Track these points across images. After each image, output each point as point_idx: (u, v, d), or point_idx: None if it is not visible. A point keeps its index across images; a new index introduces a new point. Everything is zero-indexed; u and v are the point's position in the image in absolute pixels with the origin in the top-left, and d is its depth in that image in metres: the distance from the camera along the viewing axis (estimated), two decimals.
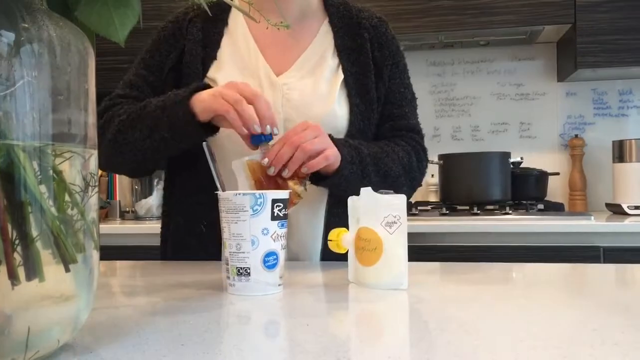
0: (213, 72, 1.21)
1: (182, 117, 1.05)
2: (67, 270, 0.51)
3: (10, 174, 0.47)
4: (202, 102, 1.04)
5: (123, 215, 2.66)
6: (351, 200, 0.92)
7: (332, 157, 1.06)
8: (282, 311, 0.74)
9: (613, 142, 2.51)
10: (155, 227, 2.32)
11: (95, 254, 0.55)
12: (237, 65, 1.22)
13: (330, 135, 1.10)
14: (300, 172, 1.04)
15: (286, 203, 0.84)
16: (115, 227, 2.33)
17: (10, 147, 0.47)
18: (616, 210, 2.45)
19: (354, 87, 1.22)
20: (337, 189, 1.15)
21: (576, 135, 2.73)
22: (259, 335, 0.62)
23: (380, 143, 1.23)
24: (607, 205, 2.56)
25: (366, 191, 0.89)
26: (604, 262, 2.02)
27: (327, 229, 1.16)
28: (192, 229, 1.22)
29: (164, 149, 1.12)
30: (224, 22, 1.27)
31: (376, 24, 1.29)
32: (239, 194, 0.82)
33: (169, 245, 1.28)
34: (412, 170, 1.24)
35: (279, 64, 1.23)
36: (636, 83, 2.73)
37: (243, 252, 0.81)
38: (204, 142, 0.92)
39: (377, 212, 0.86)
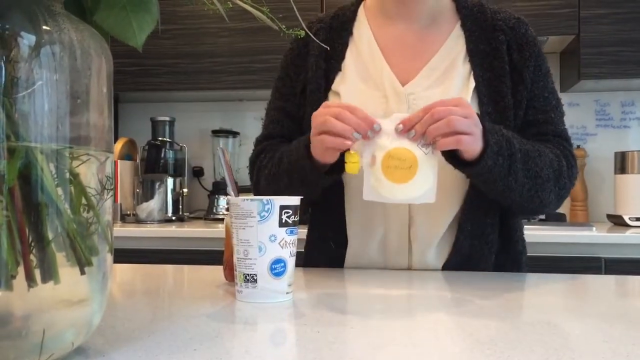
0: (337, 85, 1.18)
1: (310, 173, 1.07)
2: (83, 272, 0.51)
3: (27, 176, 0.48)
4: (315, 154, 1.04)
5: (124, 218, 2.66)
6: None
7: (466, 143, 0.98)
8: (295, 318, 0.74)
9: (615, 153, 2.51)
10: (156, 230, 2.34)
11: (109, 257, 0.56)
12: (361, 75, 1.18)
13: (480, 118, 1.02)
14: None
15: (296, 210, 0.84)
16: (116, 230, 2.33)
17: (29, 149, 0.47)
18: (617, 222, 2.45)
19: (487, 94, 1.14)
20: (477, 180, 1.08)
21: (578, 146, 2.73)
22: (270, 342, 0.62)
23: (531, 141, 1.13)
24: (609, 216, 2.56)
25: (403, 116, 0.98)
26: (605, 273, 2.02)
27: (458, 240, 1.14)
28: (322, 246, 1.22)
29: (309, 195, 1.10)
30: (349, 32, 1.23)
31: (514, 25, 1.19)
32: (247, 199, 0.81)
33: (303, 257, 1.27)
34: (561, 176, 1.13)
35: (406, 72, 1.17)
36: (639, 95, 2.74)
37: (250, 259, 0.81)
38: (219, 148, 0.92)
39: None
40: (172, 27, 2.65)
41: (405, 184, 0.96)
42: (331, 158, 1.03)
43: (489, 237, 1.15)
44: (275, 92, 1.27)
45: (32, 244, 0.48)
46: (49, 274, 0.48)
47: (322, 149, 1.02)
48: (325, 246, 1.21)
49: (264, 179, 1.18)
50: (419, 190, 0.96)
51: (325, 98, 1.18)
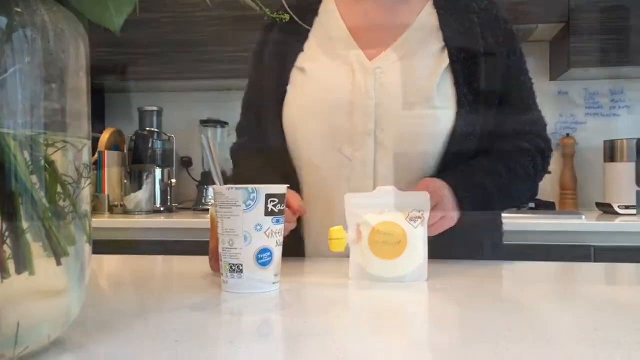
0: (300, 62, 1.18)
1: None
2: (59, 263, 0.49)
3: (0, 164, 0.46)
4: None
5: (111, 209, 2.63)
6: (350, 198, 0.93)
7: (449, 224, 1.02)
8: (280, 309, 0.73)
9: (604, 141, 2.51)
10: (143, 221, 2.32)
11: (87, 247, 0.54)
12: (327, 53, 1.17)
13: (446, 181, 1.05)
14: None
15: (282, 198, 0.82)
16: (103, 221, 2.31)
17: (1, 135, 0.46)
18: (606, 210, 2.45)
19: (462, 74, 1.11)
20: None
21: (567, 134, 2.73)
22: (255, 333, 0.61)
23: (504, 162, 1.13)
24: (598, 204, 2.56)
25: (386, 189, 0.93)
26: (595, 261, 2.02)
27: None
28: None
29: None
30: (314, 12, 1.22)
31: (486, 6, 1.17)
32: (232, 187, 0.80)
33: None
34: (537, 173, 1.17)
35: (374, 47, 1.15)
36: (627, 83, 2.73)
37: (235, 248, 0.80)
38: (202, 135, 0.91)
39: (401, 207, 0.91)
40: (159, 16, 2.62)
41: (393, 260, 0.89)
42: None
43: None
44: (249, 84, 1.30)
45: (6, 234, 0.46)
46: (23, 264, 0.47)
47: None
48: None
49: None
50: (408, 267, 0.89)
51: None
